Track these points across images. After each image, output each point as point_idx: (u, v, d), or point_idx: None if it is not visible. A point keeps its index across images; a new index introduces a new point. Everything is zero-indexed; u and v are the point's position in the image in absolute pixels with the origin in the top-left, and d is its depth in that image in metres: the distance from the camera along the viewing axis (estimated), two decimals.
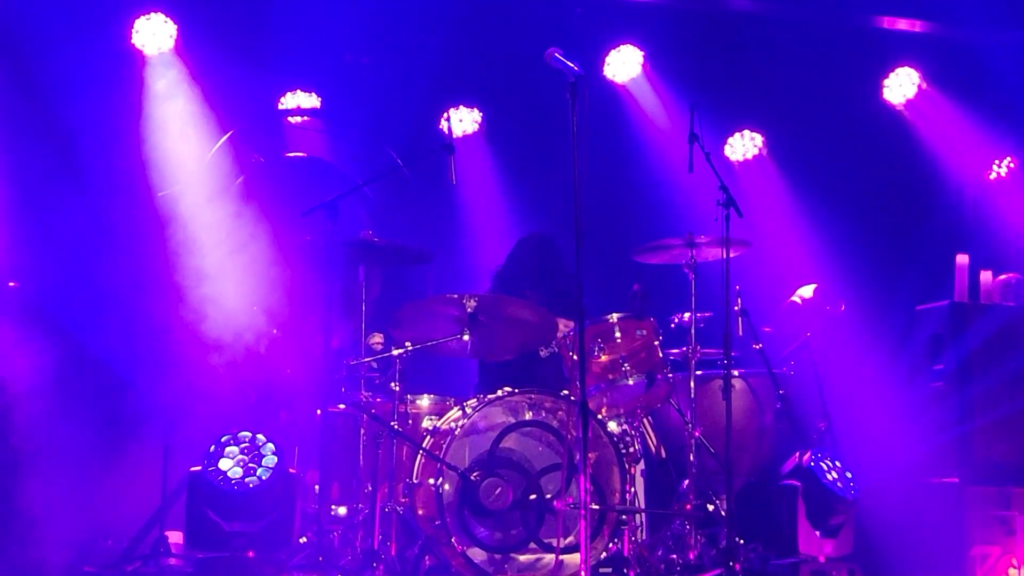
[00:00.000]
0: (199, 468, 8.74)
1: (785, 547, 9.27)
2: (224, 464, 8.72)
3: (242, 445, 8.75)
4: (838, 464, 9.42)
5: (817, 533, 9.30)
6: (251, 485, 8.70)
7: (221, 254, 10.05)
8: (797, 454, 9.51)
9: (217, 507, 8.72)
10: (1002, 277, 10.76)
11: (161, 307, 10.10)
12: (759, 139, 11.94)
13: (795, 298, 10.48)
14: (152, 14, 10.51)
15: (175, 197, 10.37)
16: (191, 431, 9.61)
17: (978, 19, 11.41)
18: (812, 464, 9.35)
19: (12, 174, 10.13)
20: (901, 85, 11.87)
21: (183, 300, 10.03)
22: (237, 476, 8.72)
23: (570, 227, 7.28)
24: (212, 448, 8.74)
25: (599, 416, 9.01)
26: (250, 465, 8.73)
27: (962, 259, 10.58)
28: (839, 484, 9.34)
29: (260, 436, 8.77)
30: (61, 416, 9.33)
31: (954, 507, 9.89)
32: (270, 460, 8.76)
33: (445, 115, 11.41)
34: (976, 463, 10.03)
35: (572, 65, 7.43)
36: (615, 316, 9.12)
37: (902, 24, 11.68)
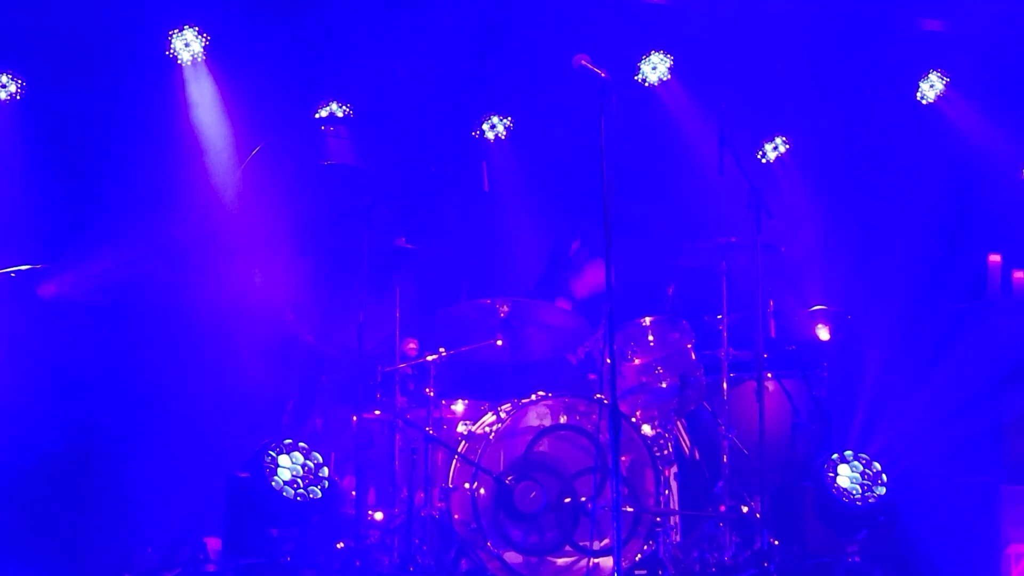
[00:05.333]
0: (247, 475, 8.72)
1: (802, 546, 9.29)
2: (283, 475, 8.67)
3: (293, 454, 8.73)
4: (872, 467, 9.37)
5: (834, 532, 9.30)
6: (312, 496, 8.71)
7: (257, 261, 10.13)
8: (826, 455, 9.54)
9: (268, 516, 8.71)
10: None
11: (201, 313, 10.18)
12: (788, 142, 11.93)
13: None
14: (185, 27, 10.55)
15: (213, 205, 10.47)
16: (228, 437, 9.67)
17: (1009, 19, 11.37)
18: (828, 465, 9.34)
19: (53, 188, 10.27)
20: (933, 87, 11.84)
21: (220, 307, 10.11)
22: (298, 488, 8.70)
23: (601, 230, 7.30)
24: (267, 457, 8.70)
25: (632, 419, 9.05)
26: (308, 477, 8.71)
27: (995, 258, 10.60)
28: (856, 487, 9.30)
29: (303, 443, 8.78)
30: (109, 425, 9.40)
31: (988, 506, 9.87)
32: (324, 471, 8.77)
33: (478, 122, 11.46)
34: (1010, 462, 10.01)
35: (599, 72, 7.44)
36: (648, 319, 9.16)
37: (934, 25, 11.64)
